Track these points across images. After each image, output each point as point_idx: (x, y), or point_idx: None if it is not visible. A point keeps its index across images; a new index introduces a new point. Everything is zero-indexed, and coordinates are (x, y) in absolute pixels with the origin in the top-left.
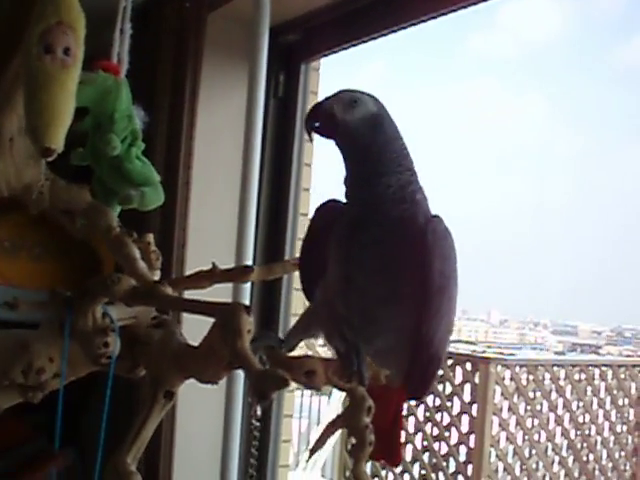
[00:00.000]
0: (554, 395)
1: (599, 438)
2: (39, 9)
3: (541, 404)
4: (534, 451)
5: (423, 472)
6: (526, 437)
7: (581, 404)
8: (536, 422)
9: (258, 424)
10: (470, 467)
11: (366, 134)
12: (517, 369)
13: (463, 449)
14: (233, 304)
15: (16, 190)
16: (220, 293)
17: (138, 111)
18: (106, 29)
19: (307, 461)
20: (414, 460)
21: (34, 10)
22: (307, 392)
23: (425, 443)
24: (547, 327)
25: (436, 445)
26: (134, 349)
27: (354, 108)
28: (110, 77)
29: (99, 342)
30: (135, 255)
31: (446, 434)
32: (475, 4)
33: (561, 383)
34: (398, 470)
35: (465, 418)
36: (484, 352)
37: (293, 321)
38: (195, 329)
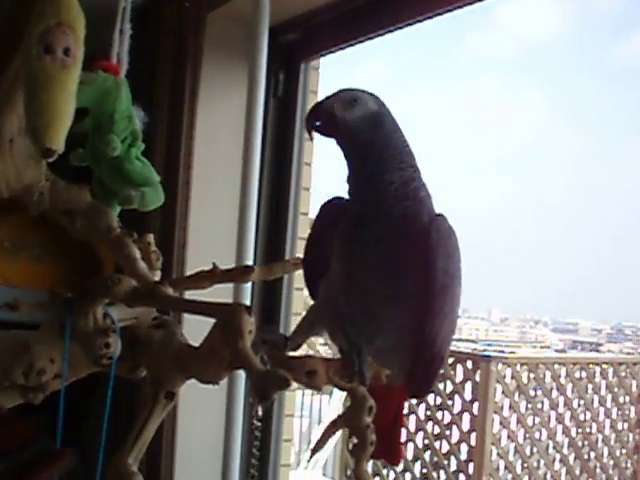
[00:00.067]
0: (555, 393)
1: (600, 436)
2: (39, 9)
3: (542, 402)
4: (535, 449)
5: (424, 471)
6: (527, 435)
7: (582, 402)
8: (537, 420)
9: (259, 424)
10: (471, 465)
11: (367, 132)
12: (518, 367)
13: (464, 447)
14: (234, 304)
15: (16, 191)
16: (221, 293)
17: (138, 111)
18: (105, 29)
19: (309, 461)
20: (415, 459)
21: (34, 10)
22: (308, 391)
23: (426, 442)
24: (547, 325)
25: (437, 443)
26: (135, 350)
27: (354, 107)
28: (110, 77)
29: (100, 343)
30: (135, 255)
31: (447, 432)
32: (472, 3)
33: (562, 381)
34: (399, 469)
35: (466, 416)
36: (485, 350)
37: (294, 320)
38: (196, 329)
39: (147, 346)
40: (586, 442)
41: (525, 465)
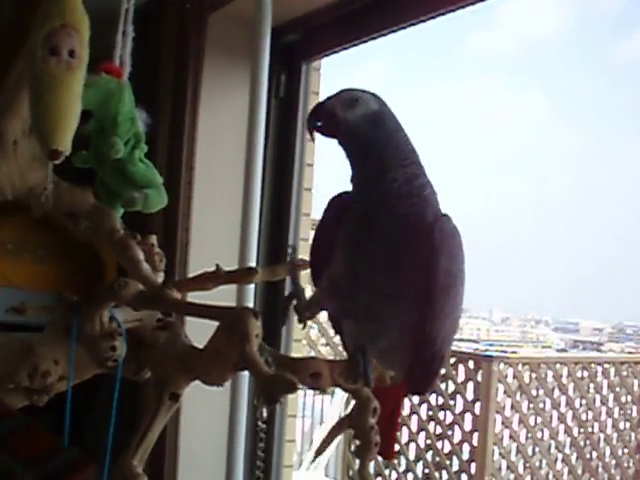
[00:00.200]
0: (557, 393)
1: (602, 435)
2: (43, 11)
3: (544, 402)
4: (537, 449)
5: (426, 471)
6: (529, 435)
7: (584, 401)
8: (539, 420)
9: (264, 426)
10: (473, 465)
11: (368, 131)
12: (519, 367)
13: (466, 447)
14: (241, 309)
15: (20, 193)
16: (224, 294)
17: (141, 113)
18: (108, 31)
19: (312, 462)
20: (417, 459)
21: (37, 13)
22: (310, 391)
23: (428, 442)
24: (549, 324)
25: (439, 444)
26: (139, 351)
27: (355, 106)
28: (113, 80)
29: (106, 346)
30: (139, 257)
31: (449, 432)
32: (474, 3)
33: (564, 381)
34: (402, 469)
35: (468, 416)
36: (486, 350)
37: (296, 324)
38: (199, 331)
39: (152, 348)
40: (588, 442)
41: (527, 465)
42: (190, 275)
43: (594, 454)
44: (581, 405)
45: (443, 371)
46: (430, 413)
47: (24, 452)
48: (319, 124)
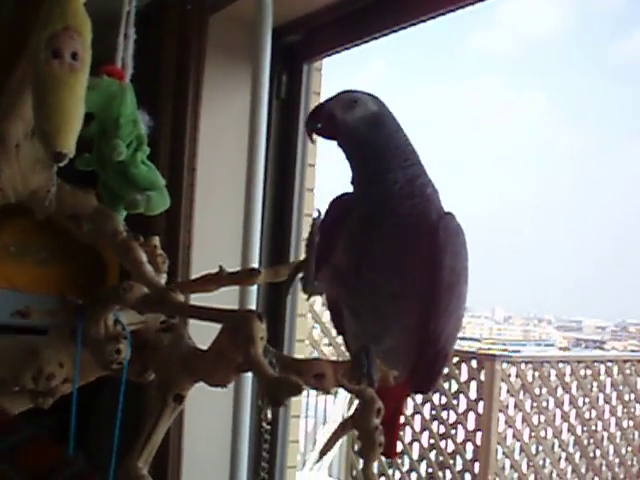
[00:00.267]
0: (560, 391)
1: (605, 434)
2: (45, 14)
3: (547, 401)
4: (541, 448)
5: (430, 470)
6: (532, 434)
7: (587, 400)
8: (542, 419)
9: (269, 427)
10: (477, 465)
11: (367, 132)
12: (522, 366)
13: (470, 447)
14: (246, 311)
15: (23, 196)
16: (227, 295)
17: (143, 115)
18: (109, 34)
19: (316, 463)
20: (421, 458)
21: (39, 16)
22: (313, 392)
23: (432, 441)
24: (551, 323)
25: (443, 443)
26: (143, 353)
27: (354, 108)
28: (115, 82)
29: (111, 349)
30: (142, 259)
31: (452, 432)
32: (474, 3)
33: (567, 379)
34: (405, 468)
35: (471, 416)
36: (489, 349)
37: (299, 322)
38: (203, 332)
39: (155, 350)
40: (591, 440)
41: (531, 464)
42: (193, 277)
43: (597, 452)
44: (584, 404)
45: (446, 370)
46: (433, 412)
47: (29, 465)
48: (318, 126)
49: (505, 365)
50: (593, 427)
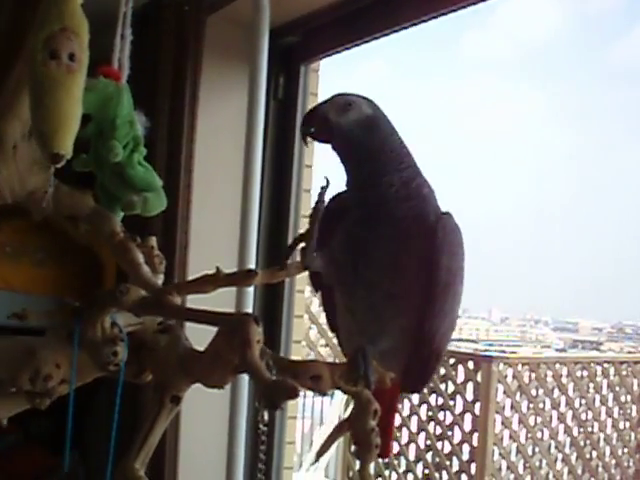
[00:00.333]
0: (556, 392)
1: (602, 435)
2: (42, 15)
3: (543, 402)
4: (537, 449)
5: (426, 471)
6: (529, 435)
7: (583, 401)
8: (539, 420)
9: (265, 428)
10: (473, 466)
11: (361, 136)
12: (519, 367)
13: (466, 448)
14: (242, 315)
15: (20, 197)
16: (223, 296)
17: (140, 116)
18: (106, 34)
19: (313, 464)
20: (417, 459)
21: (36, 17)
22: (310, 392)
23: (428, 442)
24: (548, 324)
25: (439, 444)
26: (140, 354)
27: (348, 111)
28: (111, 83)
29: (108, 352)
30: (139, 260)
31: (449, 433)
32: (474, 4)
33: (563, 380)
34: (402, 469)
35: (468, 417)
36: (486, 350)
37: (296, 323)
38: (199, 333)
39: (152, 351)
40: (588, 441)
41: (527, 465)
42: (189, 278)
43: (594, 454)
44: (581, 405)
45: (443, 371)
46: (430, 414)
47: (13, 471)
48: (312, 129)
49: (502, 366)
50: (590, 428)
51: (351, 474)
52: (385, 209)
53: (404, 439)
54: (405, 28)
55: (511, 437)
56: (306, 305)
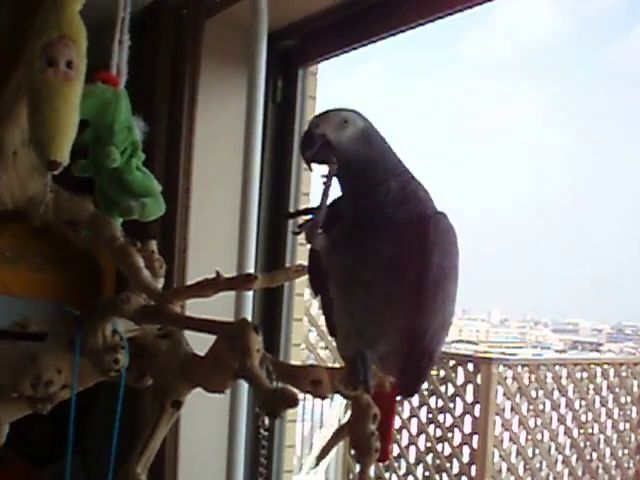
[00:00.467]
0: (556, 394)
1: (602, 436)
2: (40, 23)
3: (543, 403)
4: (537, 450)
5: (427, 474)
6: (529, 437)
7: (583, 403)
8: (539, 421)
9: (266, 433)
10: (474, 468)
11: (360, 150)
12: (519, 369)
13: (466, 450)
14: (242, 323)
15: (20, 202)
16: (222, 299)
17: (138, 122)
18: (104, 40)
19: (312, 469)
20: (418, 462)
21: (35, 23)
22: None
23: (428, 444)
24: (548, 325)
25: (439, 446)
26: (141, 360)
27: (346, 128)
28: (109, 89)
29: (109, 359)
30: (139, 265)
31: (449, 435)
32: (471, 7)
33: (563, 382)
34: (402, 472)
35: (468, 419)
36: (486, 352)
37: (295, 326)
38: (200, 337)
39: (153, 356)
40: (588, 443)
41: (527, 467)
42: (189, 282)
43: (594, 455)
44: (581, 406)
45: (442, 374)
46: (430, 416)
47: None
48: (313, 153)
49: (501, 368)
50: (590, 430)
51: (351, 477)
52: (383, 214)
53: (404, 441)
54: (403, 31)
55: (511, 439)
56: (305, 308)
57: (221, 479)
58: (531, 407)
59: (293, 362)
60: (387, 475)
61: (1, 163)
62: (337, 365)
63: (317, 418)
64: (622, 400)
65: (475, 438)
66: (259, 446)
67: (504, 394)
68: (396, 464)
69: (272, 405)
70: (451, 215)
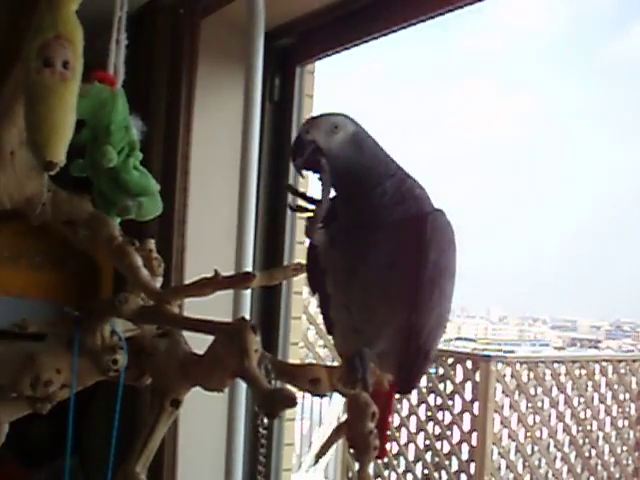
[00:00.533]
0: (555, 391)
1: (601, 433)
2: (37, 23)
3: (542, 401)
4: (536, 448)
5: (426, 471)
6: (528, 434)
7: (582, 400)
8: (537, 419)
9: (265, 432)
10: (472, 465)
11: (351, 155)
12: (517, 366)
13: (465, 447)
14: (239, 323)
15: (19, 202)
16: (220, 297)
17: (135, 121)
18: (100, 39)
19: (311, 467)
20: (417, 459)
21: (31, 23)
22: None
23: (427, 442)
24: (546, 323)
25: (438, 444)
26: (140, 358)
27: (336, 133)
28: (106, 88)
29: (108, 359)
30: (138, 264)
31: (448, 433)
32: (469, 4)
33: (562, 379)
34: (401, 470)
35: (467, 416)
36: (484, 350)
37: (294, 324)
38: (199, 336)
39: (152, 355)
40: (587, 440)
41: (526, 464)
42: (187, 281)
43: (593, 452)
44: (579, 403)
45: (441, 371)
46: (429, 414)
47: None
48: (305, 160)
49: (500, 366)
50: (588, 427)
51: (350, 475)
52: (381, 216)
53: (403, 439)
54: (400, 29)
55: (510, 436)
56: (304, 306)
57: (220, 478)
58: (530, 404)
59: (292, 361)
60: (386, 473)
61: None
62: (336, 363)
63: (316, 416)
64: (621, 397)
65: (474, 435)
66: (258, 444)
67: (503, 391)
68: (395, 462)
69: (270, 405)
70: (450, 212)
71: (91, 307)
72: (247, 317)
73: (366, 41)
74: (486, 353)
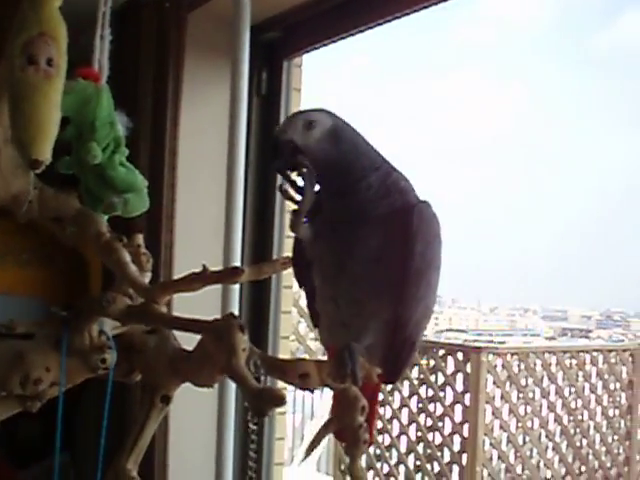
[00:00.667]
0: (546, 382)
1: (592, 423)
2: (20, 20)
3: (533, 391)
4: (528, 438)
5: (418, 463)
6: (519, 424)
7: (573, 390)
8: (529, 409)
9: (255, 427)
10: (465, 456)
11: (329, 150)
12: (508, 357)
13: (457, 439)
14: (227, 321)
15: (5, 200)
16: (209, 292)
17: (121, 117)
18: (85, 35)
19: (303, 460)
20: (409, 451)
21: (15, 21)
22: None
23: (419, 434)
24: (537, 313)
25: (430, 435)
26: (130, 356)
27: (312, 129)
28: (90, 85)
29: (96, 359)
30: (126, 259)
31: (440, 424)
32: None
33: (552, 369)
34: (393, 462)
35: (458, 408)
36: (475, 341)
37: (284, 319)
38: (187, 333)
39: (142, 352)
40: (578, 429)
41: (518, 454)
42: (175, 276)
43: (584, 442)
44: (570, 393)
45: (432, 363)
46: (420, 405)
47: None
48: (283, 162)
49: (491, 357)
50: (579, 416)
51: (343, 467)
52: (367, 210)
53: (395, 431)
54: (387, 21)
55: (501, 427)
56: (295, 299)
57: (211, 473)
58: (521, 395)
59: (281, 355)
60: (378, 465)
61: None
62: (325, 358)
63: (308, 409)
64: (611, 387)
65: (466, 427)
66: (248, 440)
67: (494, 382)
68: (387, 454)
69: (259, 404)
70: (437, 204)
71: (79, 307)
72: (236, 312)
73: (353, 34)
74: (477, 344)
